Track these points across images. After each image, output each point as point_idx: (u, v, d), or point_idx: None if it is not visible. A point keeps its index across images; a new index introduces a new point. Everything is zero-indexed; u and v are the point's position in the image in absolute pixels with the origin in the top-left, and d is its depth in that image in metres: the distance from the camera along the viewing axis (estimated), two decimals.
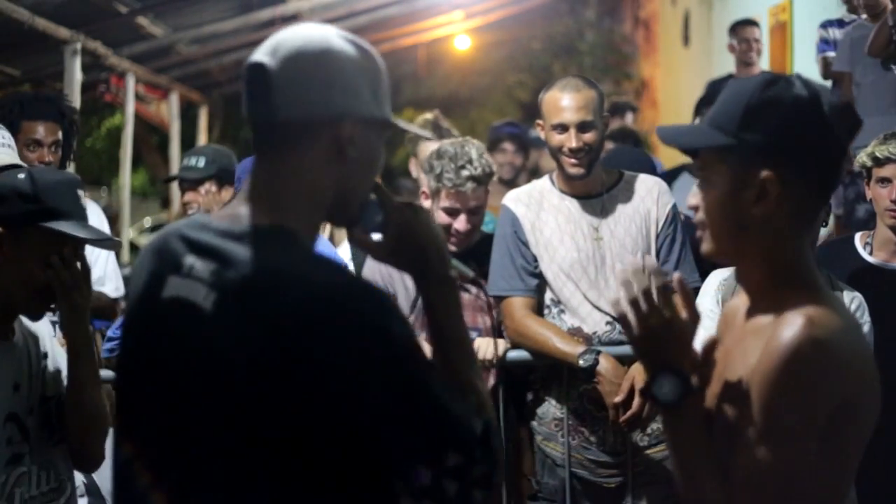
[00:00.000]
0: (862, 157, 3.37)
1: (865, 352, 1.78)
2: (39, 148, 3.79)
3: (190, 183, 4.41)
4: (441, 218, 3.48)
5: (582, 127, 3.25)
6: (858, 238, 3.43)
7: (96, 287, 4.00)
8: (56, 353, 2.45)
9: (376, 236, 1.69)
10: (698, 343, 1.84)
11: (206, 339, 1.51)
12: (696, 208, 1.79)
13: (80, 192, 2.37)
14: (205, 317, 1.51)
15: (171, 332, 1.56)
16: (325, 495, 1.50)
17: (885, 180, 3.30)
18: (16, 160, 3.30)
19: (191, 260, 1.56)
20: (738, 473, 1.67)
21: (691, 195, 1.80)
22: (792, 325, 1.65)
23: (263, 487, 1.49)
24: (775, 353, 1.64)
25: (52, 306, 2.41)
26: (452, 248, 3.46)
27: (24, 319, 2.39)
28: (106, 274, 4.05)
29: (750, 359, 1.76)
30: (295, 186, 1.58)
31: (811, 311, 1.67)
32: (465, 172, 3.43)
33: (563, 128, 3.27)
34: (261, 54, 1.57)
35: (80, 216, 2.34)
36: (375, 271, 3.49)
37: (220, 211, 1.65)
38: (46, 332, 2.46)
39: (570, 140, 3.25)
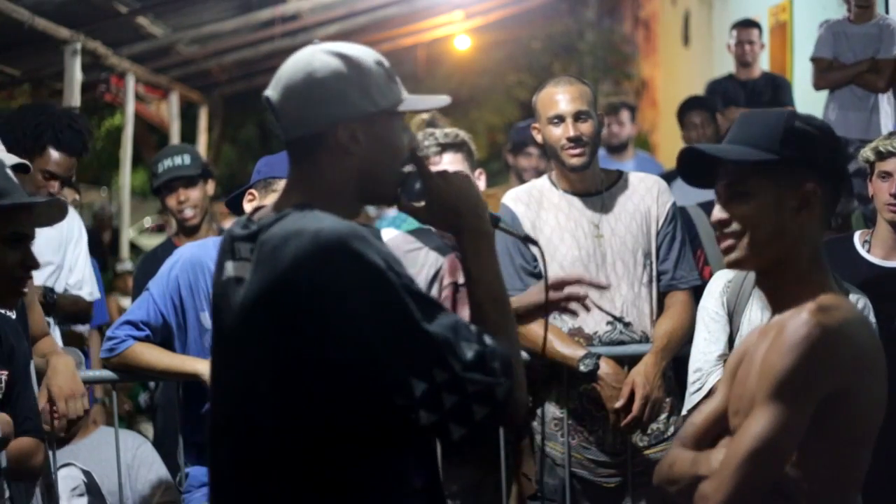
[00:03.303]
0: (866, 152, 3.38)
1: (873, 350, 1.91)
2: (54, 181, 3.68)
3: (186, 181, 4.41)
4: None
5: (578, 116, 3.28)
6: (858, 236, 3.42)
7: (74, 291, 4.03)
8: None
9: (419, 203, 1.92)
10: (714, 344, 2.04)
11: (242, 302, 1.80)
12: (723, 222, 1.94)
13: (8, 171, 2.38)
14: (244, 284, 1.79)
15: (227, 306, 1.85)
16: (340, 406, 1.72)
17: (886, 174, 3.30)
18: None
19: (237, 245, 1.85)
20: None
21: (717, 210, 1.96)
22: (803, 310, 1.85)
23: (286, 416, 1.74)
24: (784, 332, 1.82)
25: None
26: None
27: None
28: (84, 278, 4.08)
29: (761, 356, 1.85)
30: (318, 183, 1.86)
31: (824, 301, 1.88)
32: (427, 142, 3.49)
33: (559, 119, 3.29)
34: (269, 88, 1.88)
35: (17, 191, 2.35)
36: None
37: (262, 210, 1.93)
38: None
39: (568, 129, 3.27)
